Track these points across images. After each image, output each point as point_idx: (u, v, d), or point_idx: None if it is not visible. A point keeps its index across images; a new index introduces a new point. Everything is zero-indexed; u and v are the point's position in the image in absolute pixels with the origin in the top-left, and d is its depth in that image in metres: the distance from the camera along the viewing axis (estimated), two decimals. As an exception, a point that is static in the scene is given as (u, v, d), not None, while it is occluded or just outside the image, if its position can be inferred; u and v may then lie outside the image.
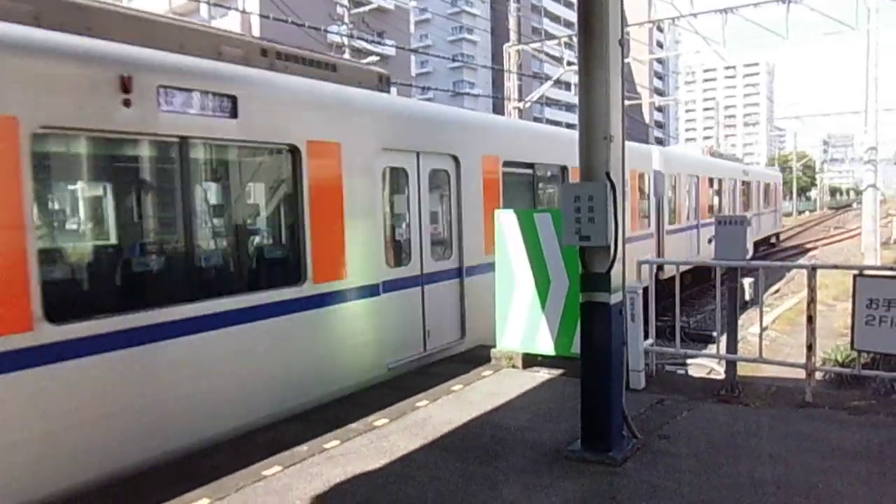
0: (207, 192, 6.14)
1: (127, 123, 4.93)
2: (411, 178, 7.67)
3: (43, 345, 4.34)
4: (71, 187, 5.64)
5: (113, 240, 5.70)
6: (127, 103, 4.87)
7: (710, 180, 19.91)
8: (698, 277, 18.06)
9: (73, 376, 4.51)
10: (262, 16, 27.24)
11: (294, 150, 6.17)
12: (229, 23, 35.23)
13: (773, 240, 31.77)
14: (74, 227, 5.67)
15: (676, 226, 16.63)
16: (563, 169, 10.64)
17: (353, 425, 5.49)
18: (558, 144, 10.69)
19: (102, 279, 5.36)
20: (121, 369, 4.80)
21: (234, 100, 5.64)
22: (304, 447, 5.03)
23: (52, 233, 5.27)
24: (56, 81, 4.54)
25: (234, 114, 5.64)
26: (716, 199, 20.75)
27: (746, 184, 24.70)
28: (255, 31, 35.61)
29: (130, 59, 5.02)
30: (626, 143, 4.79)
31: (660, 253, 15.26)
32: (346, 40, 23.61)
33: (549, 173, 10.76)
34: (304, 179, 6.21)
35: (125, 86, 4.85)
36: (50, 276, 4.58)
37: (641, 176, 14.53)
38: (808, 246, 34.12)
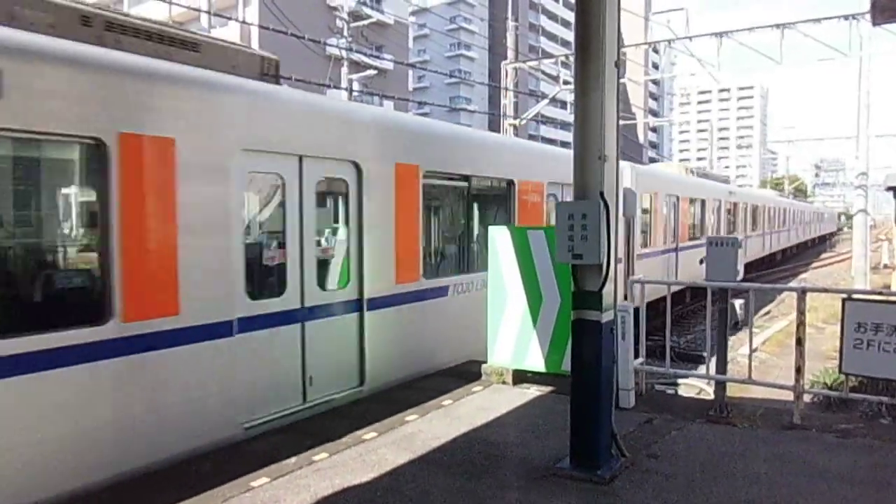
0: None
1: None
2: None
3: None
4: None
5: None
6: None
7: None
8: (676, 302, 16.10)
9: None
10: (261, 27, 27.35)
11: None
12: (229, 33, 35.33)
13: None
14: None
15: None
16: (510, 183, 9.38)
17: (342, 438, 5.48)
18: (507, 155, 9.86)
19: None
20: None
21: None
22: (292, 459, 5.01)
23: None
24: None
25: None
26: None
27: (694, 201, 19.49)
28: (255, 42, 35.82)
29: None
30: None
31: None
32: (344, 53, 23.76)
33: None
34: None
35: None
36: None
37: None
38: (799, 269, 34.39)
